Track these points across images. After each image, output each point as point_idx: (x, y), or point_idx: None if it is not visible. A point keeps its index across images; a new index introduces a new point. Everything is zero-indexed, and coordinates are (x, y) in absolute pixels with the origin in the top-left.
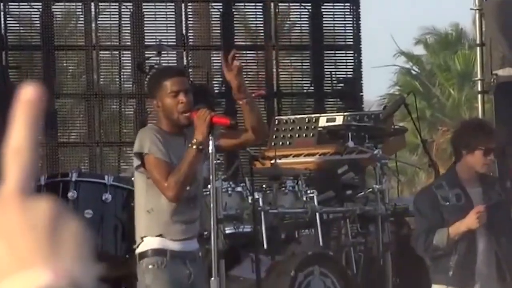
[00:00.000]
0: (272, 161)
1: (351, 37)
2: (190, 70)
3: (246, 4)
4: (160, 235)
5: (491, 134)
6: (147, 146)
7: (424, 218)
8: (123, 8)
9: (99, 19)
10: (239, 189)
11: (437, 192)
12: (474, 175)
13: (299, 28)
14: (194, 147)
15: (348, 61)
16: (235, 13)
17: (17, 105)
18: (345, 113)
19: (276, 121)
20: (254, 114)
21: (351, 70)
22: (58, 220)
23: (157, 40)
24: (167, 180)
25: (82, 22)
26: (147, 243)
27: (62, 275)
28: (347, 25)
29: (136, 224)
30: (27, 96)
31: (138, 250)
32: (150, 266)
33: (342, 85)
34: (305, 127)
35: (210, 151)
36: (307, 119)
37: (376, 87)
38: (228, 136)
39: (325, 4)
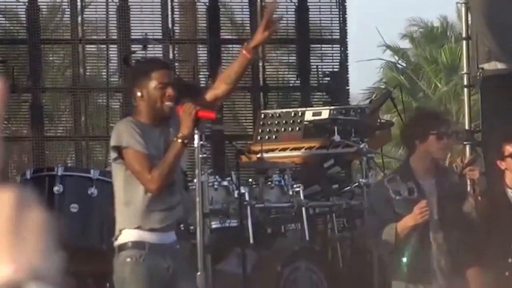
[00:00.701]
0: (258, 155)
1: (337, 30)
2: (176, 64)
3: None
4: (139, 227)
5: (439, 119)
6: (125, 139)
7: (375, 213)
8: (110, 2)
9: (85, 12)
10: (225, 183)
11: (388, 186)
12: (428, 165)
13: (285, 21)
14: (180, 140)
15: (334, 54)
16: (221, 7)
17: None
18: (331, 107)
19: (262, 115)
20: (244, 70)
21: (337, 63)
22: (21, 210)
23: (143, 34)
24: (150, 172)
25: (68, 15)
26: (126, 235)
27: (23, 267)
28: (333, 18)
29: (116, 217)
30: None
31: (117, 242)
32: (128, 259)
33: (328, 79)
34: (291, 121)
35: (195, 145)
36: (293, 113)
37: (362, 81)
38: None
39: None
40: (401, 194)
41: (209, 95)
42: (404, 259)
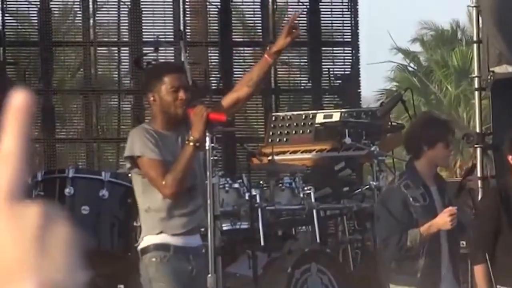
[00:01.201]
0: (269, 158)
1: (349, 33)
2: (187, 66)
3: (244, 0)
4: (161, 232)
5: (448, 126)
6: (138, 148)
7: (395, 219)
8: (121, 4)
9: (97, 15)
10: (236, 185)
11: (407, 192)
12: (433, 172)
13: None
14: (191, 144)
15: (346, 57)
16: (232, 9)
17: (8, 111)
18: (342, 110)
19: (273, 117)
20: (265, 74)
21: (349, 66)
22: (47, 227)
23: (155, 36)
24: (164, 178)
25: (80, 18)
26: (149, 239)
27: (46, 283)
28: (345, 21)
29: (141, 224)
30: (18, 102)
31: (140, 246)
32: (153, 259)
33: (339, 81)
34: (302, 124)
35: (207, 148)
36: (304, 115)
37: (373, 83)
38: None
39: (323, 0)
40: (418, 201)
41: (230, 98)
42: (419, 265)
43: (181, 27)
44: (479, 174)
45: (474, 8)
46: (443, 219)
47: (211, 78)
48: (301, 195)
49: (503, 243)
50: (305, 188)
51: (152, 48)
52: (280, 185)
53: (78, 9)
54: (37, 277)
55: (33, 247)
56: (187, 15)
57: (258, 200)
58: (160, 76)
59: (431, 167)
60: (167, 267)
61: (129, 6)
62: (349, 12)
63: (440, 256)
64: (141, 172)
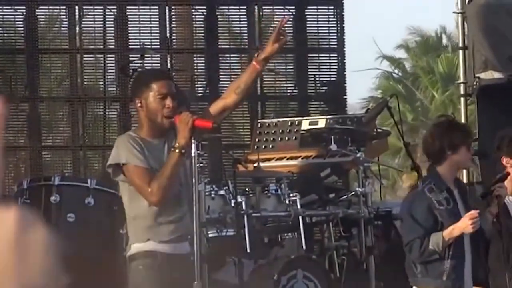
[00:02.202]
0: (255, 165)
1: (335, 40)
2: (173, 73)
3: (230, 7)
4: (148, 240)
5: (468, 130)
6: (124, 156)
7: (419, 223)
8: (107, 12)
9: (83, 22)
10: (222, 192)
11: (431, 196)
12: (454, 176)
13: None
14: (177, 151)
15: (332, 64)
16: (218, 16)
17: None
18: (328, 116)
19: (259, 124)
20: (253, 81)
21: (335, 73)
22: (24, 231)
23: (141, 43)
24: (149, 185)
25: (66, 25)
26: (137, 247)
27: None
28: (331, 28)
29: (128, 232)
30: None
31: (128, 253)
32: (140, 267)
33: (325, 88)
34: (288, 130)
35: (192, 155)
36: (289, 122)
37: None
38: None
39: (309, 7)
40: (443, 204)
41: (218, 105)
42: (445, 268)
43: (167, 34)
44: (465, 180)
45: (460, 14)
46: (464, 223)
47: (197, 85)
48: (287, 202)
49: (494, 250)
50: (291, 195)
51: (138, 55)
52: (266, 192)
53: (64, 16)
54: (19, 281)
55: (11, 252)
56: (173, 22)
57: (244, 207)
58: (148, 82)
59: (453, 171)
60: (154, 275)
61: (115, 13)
62: (335, 19)
63: (464, 260)
64: (127, 179)
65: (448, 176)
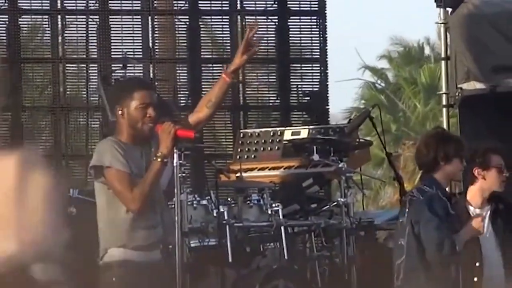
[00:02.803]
0: (237, 175)
1: (318, 50)
2: (156, 83)
3: (213, 17)
4: (124, 245)
5: (462, 142)
6: (107, 159)
7: (444, 222)
8: (90, 21)
9: (66, 32)
10: (204, 202)
11: (445, 200)
12: (447, 186)
13: (265, 41)
14: (159, 160)
15: (314, 74)
16: (201, 26)
17: None
18: (310, 127)
19: (241, 134)
20: (224, 94)
21: (317, 83)
22: (25, 180)
23: (123, 53)
24: (131, 192)
25: (49, 35)
26: (111, 254)
27: (28, 246)
28: (313, 38)
29: (99, 235)
30: None
31: (102, 261)
32: (114, 279)
33: (308, 98)
34: (270, 141)
35: (174, 164)
36: (272, 132)
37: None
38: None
39: (292, 17)
40: (452, 210)
41: (193, 118)
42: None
43: (150, 44)
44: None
45: (442, 25)
46: (477, 225)
47: (179, 95)
48: (269, 212)
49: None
50: (273, 205)
51: (120, 65)
52: (248, 202)
53: (46, 26)
54: (18, 236)
55: (12, 201)
56: (156, 32)
57: (226, 217)
58: (130, 91)
59: (446, 182)
60: (129, 286)
61: (98, 23)
62: (317, 29)
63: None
64: (107, 182)
65: (443, 185)
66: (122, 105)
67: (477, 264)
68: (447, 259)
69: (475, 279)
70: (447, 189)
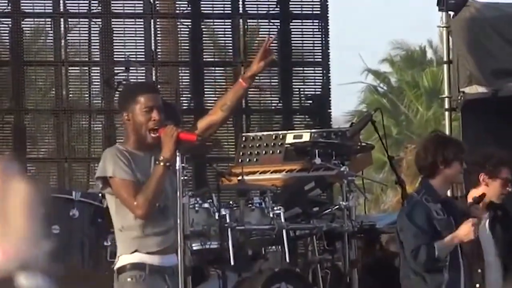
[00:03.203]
0: (239, 178)
1: (320, 53)
2: (158, 86)
3: (215, 20)
4: (136, 251)
5: (462, 145)
6: (110, 169)
7: (423, 230)
8: (93, 24)
9: (69, 35)
10: (206, 205)
11: (429, 206)
12: (447, 189)
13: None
14: (162, 164)
15: (316, 77)
16: (203, 29)
17: None
18: (312, 130)
19: (243, 137)
20: (239, 99)
21: (320, 87)
22: (6, 186)
23: (126, 56)
24: (135, 199)
25: (52, 38)
26: (125, 259)
27: (12, 256)
28: (315, 41)
29: (116, 243)
30: None
31: (116, 266)
32: (128, 279)
33: (310, 101)
34: (272, 144)
35: (177, 168)
36: (274, 136)
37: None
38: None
39: (294, 20)
40: (439, 214)
41: (205, 121)
42: (445, 277)
43: (152, 47)
44: (449, 194)
45: (445, 28)
46: (466, 229)
47: (181, 98)
48: (271, 215)
49: None
50: (275, 208)
51: (123, 68)
52: (250, 205)
53: (49, 29)
54: (2, 246)
55: None
56: (158, 35)
57: (228, 220)
58: (135, 95)
59: (445, 185)
60: (143, 287)
61: (100, 26)
62: (320, 33)
63: (460, 273)
64: (113, 192)
65: (441, 189)
66: (127, 110)
67: (479, 270)
68: (427, 266)
69: (477, 285)
70: (448, 192)
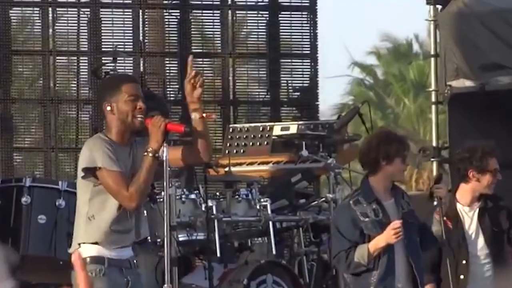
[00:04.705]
0: (226, 169)
1: (308, 45)
2: (146, 76)
3: (203, 11)
4: (96, 243)
5: (404, 142)
6: (99, 159)
7: (344, 236)
8: (81, 14)
9: (57, 24)
10: (192, 196)
11: (356, 209)
12: (388, 187)
13: (256, 36)
14: (150, 155)
15: (304, 69)
16: (192, 20)
17: None
18: (299, 122)
19: (231, 129)
20: (207, 132)
21: (308, 79)
22: None
23: (114, 46)
24: (127, 190)
25: (40, 27)
26: (85, 250)
27: None
28: (304, 33)
29: (74, 230)
30: None
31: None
32: (89, 274)
33: (298, 93)
34: (259, 136)
35: (164, 158)
36: (261, 127)
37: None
38: (179, 153)
39: (283, 12)
40: (368, 216)
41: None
42: (372, 279)
43: (140, 37)
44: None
45: (432, 22)
46: (388, 233)
47: (169, 89)
48: (258, 207)
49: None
50: (262, 200)
51: (110, 58)
52: (237, 196)
53: (37, 18)
54: None
55: None
56: (146, 25)
57: (214, 211)
58: (118, 85)
59: (386, 182)
60: (104, 281)
61: (89, 16)
62: (308, 25)
63: (394, 269)
64: (100, 183)
65: (380, 187)
66: (110, 101)
67: (464, 262)
68: (349, 271)
69: (462, 276)
70: (391, 189)
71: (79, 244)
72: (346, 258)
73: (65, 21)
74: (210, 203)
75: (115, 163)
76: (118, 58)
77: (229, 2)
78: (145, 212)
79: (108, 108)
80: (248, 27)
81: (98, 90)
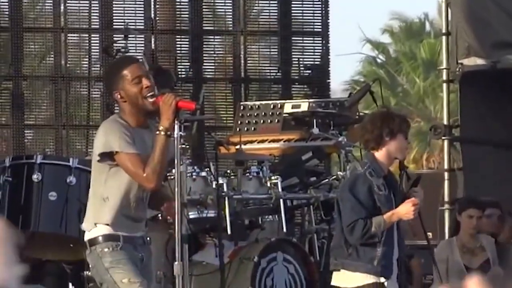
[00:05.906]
0: (237, 147)
1: (320, 23)
2: (157, 54)
3: None
4: (109, 224)
5: (407, 120)
6: (116, 144)
7: (362, 204)
8: None
9: (68, 1)
10: (203, 174)
11: (372, 180)
12: (389, 165)
13: (267, 13)
14: (162, 133)
15: (316, 47)
16: None
17: None
18: (310, 100)
19: (241, 106)
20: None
21: (319, 56)
22: None
23: (125, 23)
24: (144, 171)
25: (51, 4)
26: (98, 230)
27: None
28: (315, 11)
29: (88, 210)
30: None
31: (88, 237)
32: (106, 250)
33: (309, 71)
34: (270, 113)
35: (175, 136)
36: (272, 105)
37: (343, 74)
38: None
39: None
40: (381, 190)
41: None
42: (377, 253)
43: (152, 15)
44: (446, 166)
45: (444, 0)
46: (407, 209)
47: (180, 66)
48: (268, 184)
49: None
50: (272, 178)
51: (122, 36)
52: (247, 174)
53: None
54: None
55: None
56: (158, 3)
57: (225, 189)
58: (119, 71)
59: (389, 159)
60: (122, 254)
61: None
62: (320, 2)
63: (393, 248)
64: (116, 164)
65: (384, 163)
66: (117, 88)
67: None
68: (361, 240)
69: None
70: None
71: (95, 223)
72: (364, 227)
73: None
74: (220, 180)
75: (132, 145)
76: (130, 36)
77: None
78: None
79: (118, 96)
80: (260, 4)
81: (104, 81)
